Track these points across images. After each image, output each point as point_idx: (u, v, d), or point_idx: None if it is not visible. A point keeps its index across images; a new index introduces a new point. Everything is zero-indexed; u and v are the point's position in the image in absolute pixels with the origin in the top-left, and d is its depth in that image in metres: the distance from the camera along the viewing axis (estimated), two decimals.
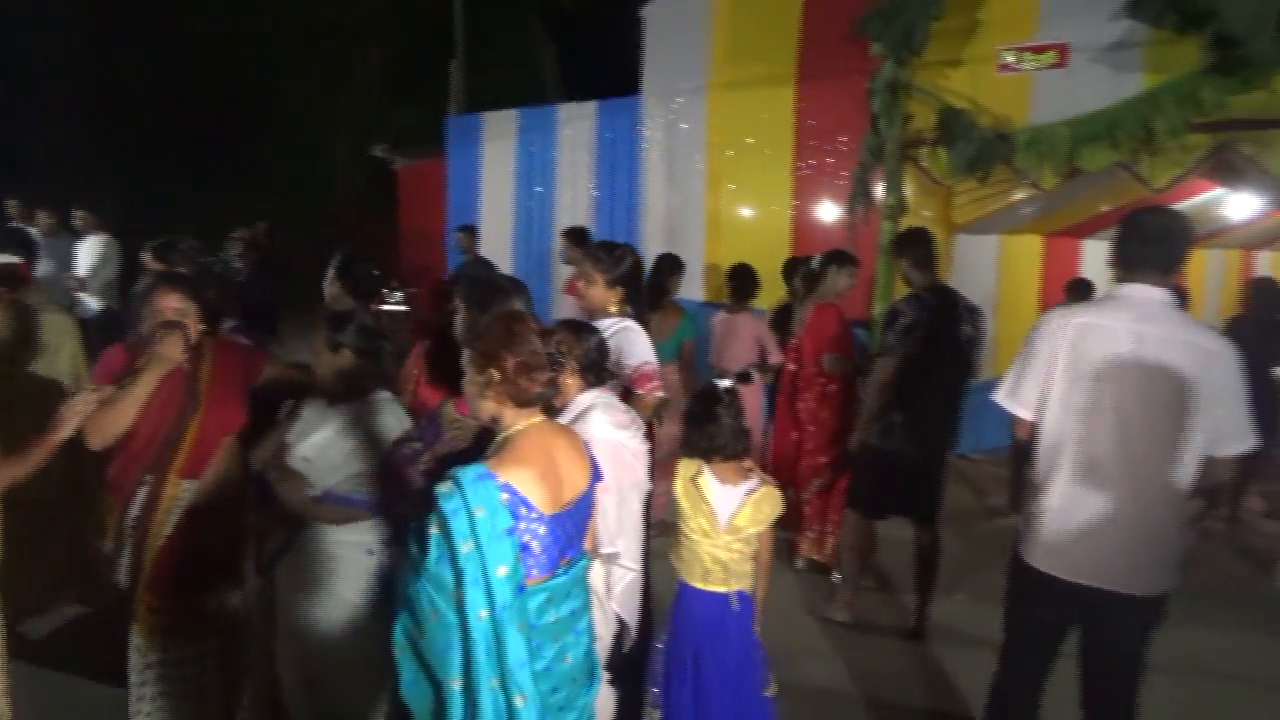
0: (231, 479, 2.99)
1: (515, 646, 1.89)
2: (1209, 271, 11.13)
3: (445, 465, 2.50)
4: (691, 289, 7.26)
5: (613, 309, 3.30)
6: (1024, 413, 2.69)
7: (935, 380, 4.17)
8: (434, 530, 1.90)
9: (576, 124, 8.89)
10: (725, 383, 2.82)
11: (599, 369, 2.80)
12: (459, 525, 1.87)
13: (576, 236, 6.89)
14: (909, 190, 6.42)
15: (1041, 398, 2.64)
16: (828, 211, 7.03)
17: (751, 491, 2.77)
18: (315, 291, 3.95)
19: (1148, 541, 2.55)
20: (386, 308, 9.28)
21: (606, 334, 2.92)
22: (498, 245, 9.10)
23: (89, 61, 15.15)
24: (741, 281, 5.67)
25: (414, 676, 2.02)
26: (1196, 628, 4.38)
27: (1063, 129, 5.47)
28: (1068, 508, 2.59)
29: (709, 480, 2.78)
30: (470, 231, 8.06)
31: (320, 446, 2.70)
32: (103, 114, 15.56)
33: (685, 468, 2.83)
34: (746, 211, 7.69)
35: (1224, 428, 2.49)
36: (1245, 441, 2.51)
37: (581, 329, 2.83)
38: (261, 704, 3.01)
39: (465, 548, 1.86)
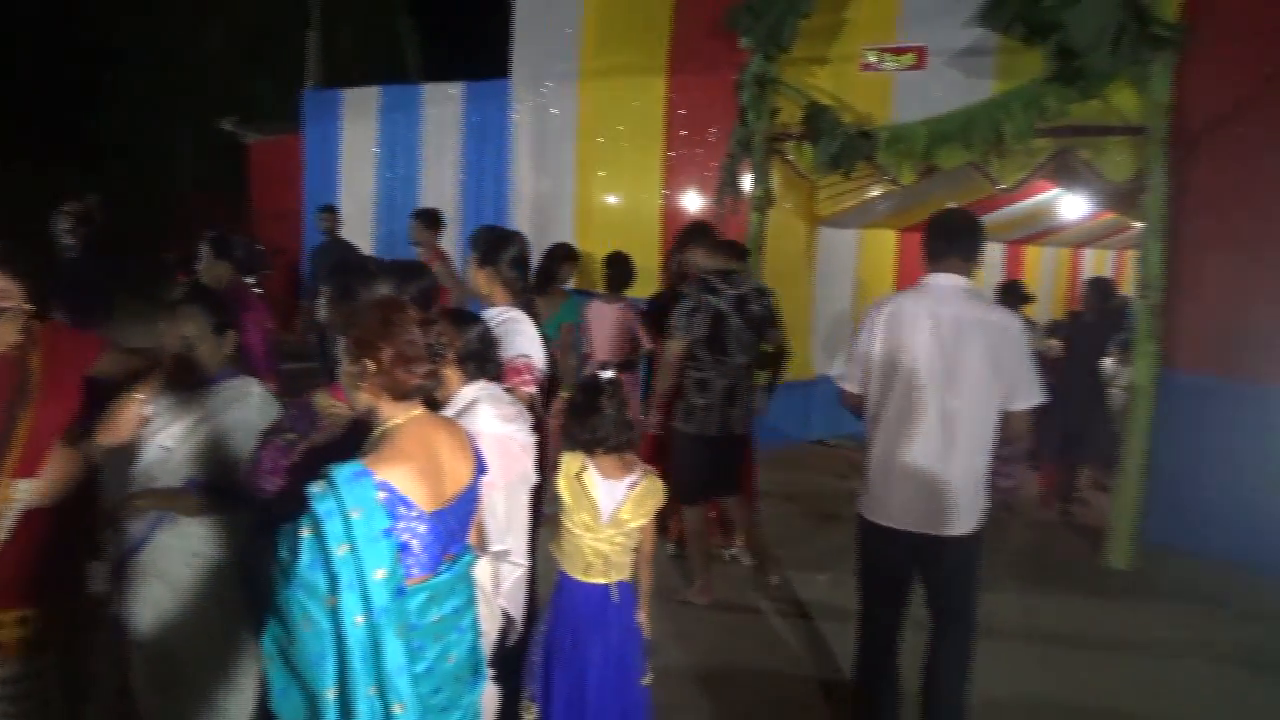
0: (69, 477, 2.75)
1: (393, 652, 1.81)
2: (1043, 267, 11.93)
3: (318, 458, 2.42)
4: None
5: (499, 298, 3.21)
6: (851, 387, 3.10)
7: (728, 361, 4.38)
8: (306, 533, 1.80)
9: (442, 105, 8.67)
10: (608, 374, 2.79)
11: (482, 360, 2.72)
12: (333, 528, 1.77)
13: (429, 219, 6.70)
14: (775, 183, 6.58)
15: (865, 374, 3.03)
16: (697, 202, 7.10)
17: (634, 485, 2.76)
18: (152, 271, 3.67)
19: (961, 489, 2.92)
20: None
21: (492, 324, 2.85)
22: (358, 226, 8.77)
23: None
24: (617, 270, 5.66)
25: (284, 686, 1.91)
26: (1033, 597, 4.78)
27: (920, 128, 5.72)
28: (892, 466, 2.96)
29: (593, 475, 2.75)
30: (332, 212, 7.72)
31: (180, 436, 2.52)
32: None
33: (569, 462, 2.78)
34: (617, 200, 7.69)
35: (1016, 387, 2.90)
36: (1035, 398, 2.93)
37: (463, 318, 2.74)
38: (110, 716, 2.80)
39: (340, 551, 1.77)
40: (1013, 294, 6.23)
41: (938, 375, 2.88)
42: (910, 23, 5.96)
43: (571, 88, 7.73)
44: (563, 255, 5.52)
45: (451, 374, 2.51)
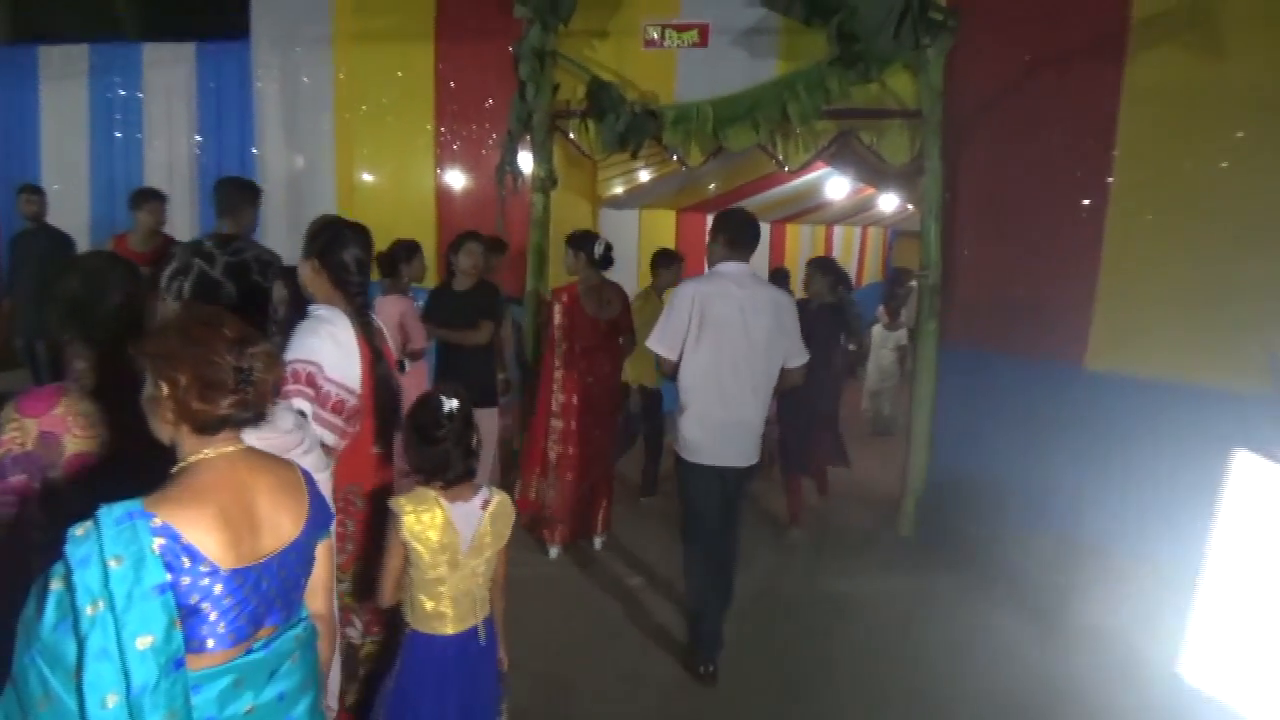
0: None
1: None
2: (800, 245, 12.46)
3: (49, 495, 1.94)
4: None
5: (320, 294, 2.67)
6: (670, 355, 3.69)
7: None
8: (55, 586, 1.42)
9: (169, 68, 7.58)
10: (452, 403, 2.39)
11: None
12: (87, 579, 1.39)
13: (146, 198, 5.77)
14: (557, 162, 6.26)
15: (681, 343, 3.64)
16: (474, 181, 6.63)
17: (486, 503, 2.47)
18: None
19: (755, 429, 3.74)
20: None
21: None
22: (68, 207, 7.46)
23: None
24: (388, 258, 5.09)
25: None
26: (829, 575, 4.88)
27: (708, 108, 5.60)
28: (708, 416, 3.66)
29: (445, 504, 2.39)
30: (36, 192, 6.44)
31: None
32: None
33: (418, 504, 2.38)
34: (385, 178, 7.03)
35: (791, 350, 3.73)
36: (803, 357, 3.77)
37: None
38: None
39: (91, 609, 1.39)
40: (781, 277, 7.53)
41: (740, 342, 3.60)
42: None
43: (325, 52, 6.97)
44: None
45: None
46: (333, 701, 2.43)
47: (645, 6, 5.90)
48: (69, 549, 1.43)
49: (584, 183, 6.89)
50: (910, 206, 10.55)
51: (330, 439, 2.49)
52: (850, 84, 5.24)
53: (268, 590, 1.62)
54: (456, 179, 6.72)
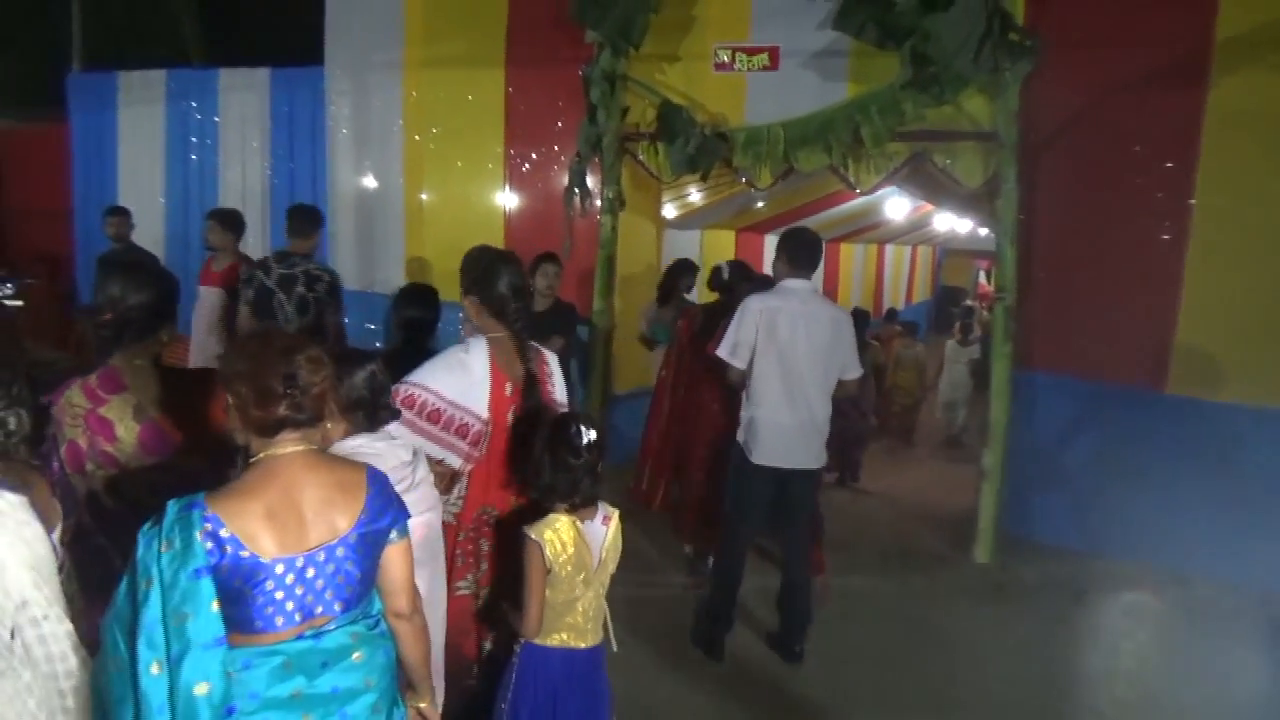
0: None
1: (190, 710, 1.58)
2: (854, 263, 12.46)
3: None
4: (392, 284, 6.63)
5: (482, 326, 2.79)
6: (739, 364, 3.93)
7: None
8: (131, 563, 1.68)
9: (244, 93, 7.79)
10: (591, 434, 2.45)
11: (372, 408, 2.32)
12: (145, 559, 1.64)
13: (227, 220, 5.87)
14: (625, 183, 6.33)
15: (749, 353, 3.89)
16: (541, 202, 6.72)
17: (607, 519, 2.56)
18: None
19: (817, 430, 3.96)
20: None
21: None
22: (144, 228, 7.67)
23: None
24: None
25: None
26: (903, 599, 4.82)
27: (778, 130, 5.64)
28: (772, 419, 3.90)
29: (578, 525, 2.48)
30: (123, 214, 6.66)
31: None
32: None
33: (558, 527, 2.45)
34: (452, 200, 7.15)
35: (847, 362, 3.98)
36: (857, 370, 4.04)
37: (349, 358, 2.32)
38: None
39: (145, 585, 1.62)
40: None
41: (803, 353, 3.85)
42: (763, 22, 5.86)
43: (396, 77, 7.12)
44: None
45: (334, 424, 2.17)
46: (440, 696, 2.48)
47: (716, 30, 5.96)
48: (140, 533, 1.66)
49: (649, 204, 6.95)
50: (973, 226, 10.51)
51: (455, 461, 2.60)
52: (925, 106, 5.24)
53: (314, 581, 1.75)
54: (524, 200, 6.82)
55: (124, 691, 1.62)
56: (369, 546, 1.84)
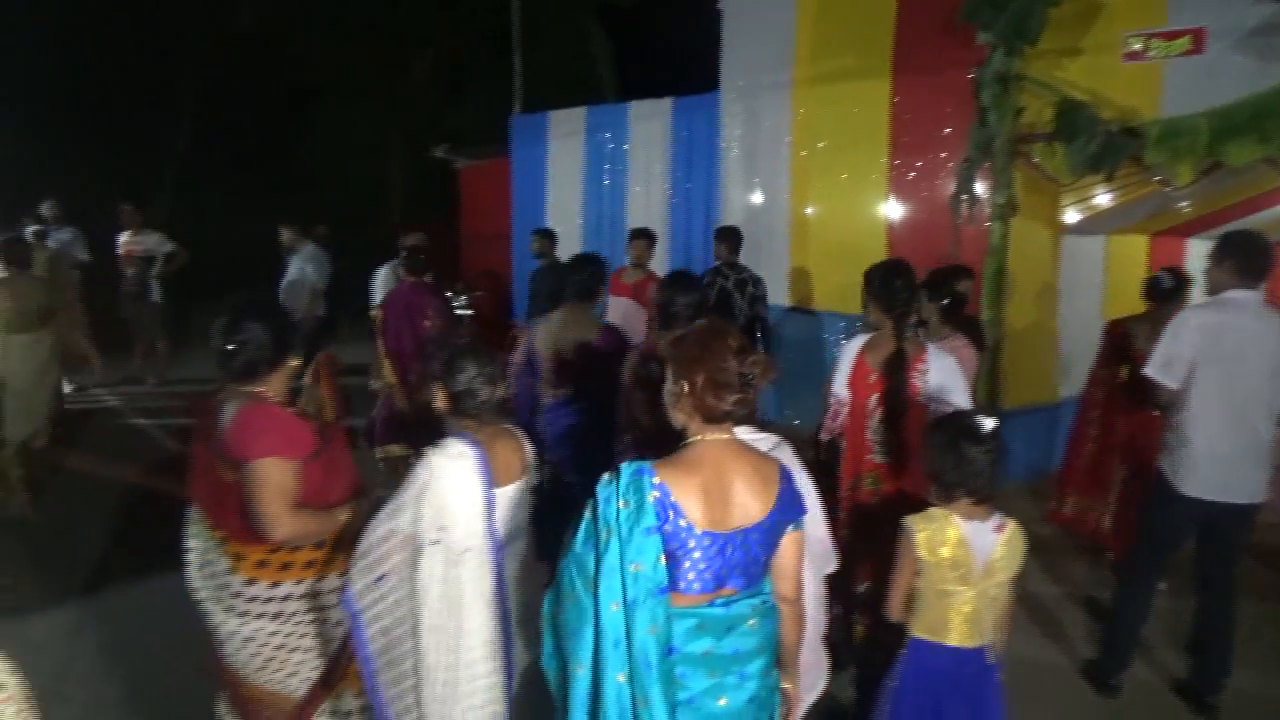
0: None
1: (644, 647, 1.87)
2: None
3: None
4: (776, 294, 6.93)
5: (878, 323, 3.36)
6: (1172, 383, 3.59)
7: None
8: (587, 514, 1.96)
9: (649, 121, 8.59)
10: (990, 423, 2.49)
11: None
12: (606, 513, 1.92)
13: (651, 237, 6.86)
14: (1018, 188, 6.03)
15: (1185, 371, 3.54)
16: (926, 210, 6.64)
17: (1000, 527, 2.51)
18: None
19: (1260, 461, 3.56)
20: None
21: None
22: (564, 247, 8.79)
23: (129, 66, 14.89)
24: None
25: (551, 650, 2.08)
26: None
27: (1201, 120, 5.05)
28: (1210, 448, 3.53)
29: (959, 522, 2.49)
30: (547, 235, 7.75)
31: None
32: (149, 121, 15.50)
33: (935, 519, 2.51)
34: (836, 210, 7.31)
35: None
36: None
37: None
38: None
39: (605, 535, 1.91)
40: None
41: (1250, 375, 3.47)
42: (1183, 3, 5.31)
43: (784, 97, 7.44)
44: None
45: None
46: (820, 683, 2.62)
47: (1125, 17, 5.52)
48: (599, 489, 1.95)
49: (1045, 209, 6.54)
50: None
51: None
52: None
53: (730, 557, 1.96)
54: (908, 210, 6.78)
55: (579, 624, 1.92)
56: (774, 534, 2.04)
